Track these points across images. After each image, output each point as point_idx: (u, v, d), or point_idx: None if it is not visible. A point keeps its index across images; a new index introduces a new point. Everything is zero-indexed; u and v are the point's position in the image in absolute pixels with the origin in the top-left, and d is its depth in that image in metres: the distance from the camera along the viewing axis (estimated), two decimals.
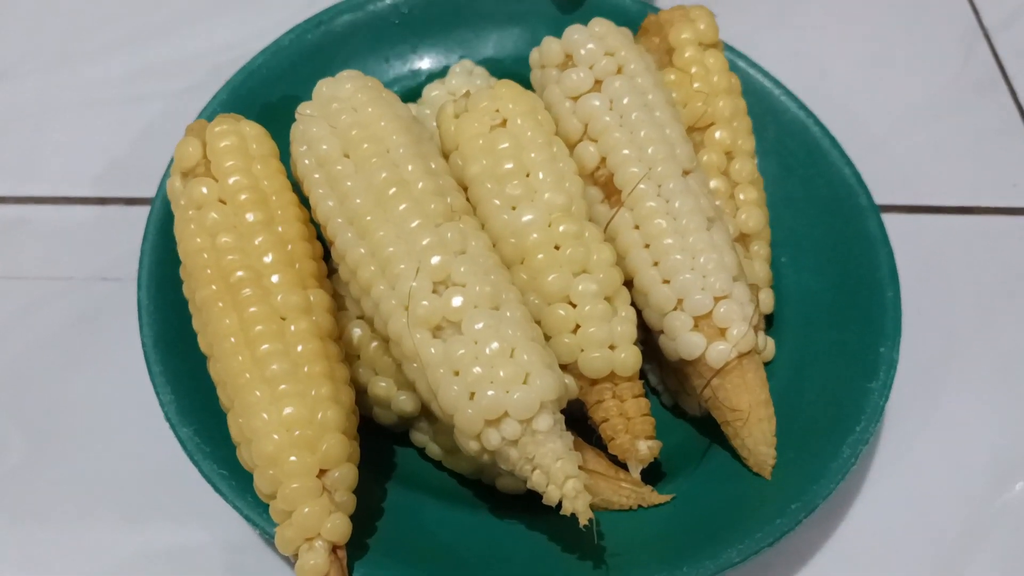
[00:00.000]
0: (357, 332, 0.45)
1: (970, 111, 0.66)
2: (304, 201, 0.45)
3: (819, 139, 0.54)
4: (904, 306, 0.49)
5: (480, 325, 0.39)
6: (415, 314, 0.39)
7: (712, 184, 0.50)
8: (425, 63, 0.56)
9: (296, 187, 0.45)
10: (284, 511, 0.38)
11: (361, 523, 0.40)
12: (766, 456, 0.44)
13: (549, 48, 0.48)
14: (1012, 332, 0.56)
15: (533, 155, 0.45)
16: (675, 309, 0.45)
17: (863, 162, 0.55)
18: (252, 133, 0.45)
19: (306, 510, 0.38)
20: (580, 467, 0.38)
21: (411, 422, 0.46)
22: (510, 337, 0.39)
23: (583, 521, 0.37)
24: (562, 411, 0.40)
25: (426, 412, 0.45)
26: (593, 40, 0.48)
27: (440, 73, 0.56)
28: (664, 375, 0.49)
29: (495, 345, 0.38)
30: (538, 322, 0.43)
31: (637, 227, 0.46)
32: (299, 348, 0.40)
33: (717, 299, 0.44)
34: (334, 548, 0.38)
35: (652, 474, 0.45)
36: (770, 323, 0.51)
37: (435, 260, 0.40)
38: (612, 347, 0.43)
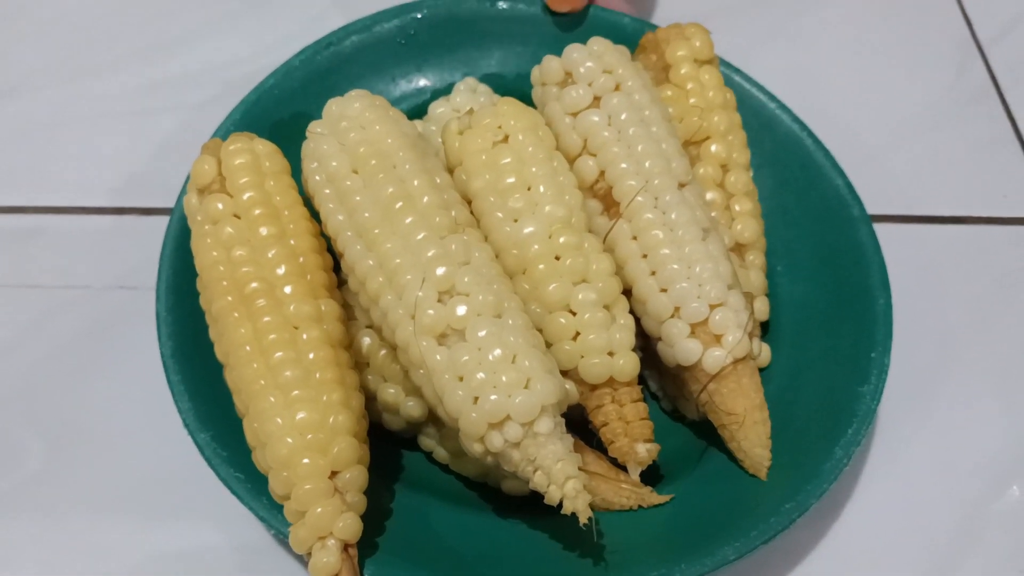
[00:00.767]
0: (366, 341, 0.47)
1: (963, 123, 0.67)
2: (315, 215, 0.47)
3: (813, 152, 0.56)
4: (897, 313, 0.51)
5: (483, 333, 0.40)
6: (421, 323, 0.41)
7: (708, 196, 0.51)
8: (430, 81, 0.58)
9: (307, 202, 0.47)
10: (298, 511, 0.40)
11: (371, 523, 0.41)
12: (761, 458, 0.46)
13: (549, 66, 0.50)
14: (1003, 339, 0.57)
15: (534, 169, 0.46)
16: (672, 317, 0.46)
17: (857, 173, 0.56)
18: (265, 151, 0.46)
19: (319, 510, 0.39)
20: (580, 468, 0.40)
21: (419, 427, 0.47)
22: (512, 344, 0.41)
23: (583, 520, 0.39)
24: (563, 415, 0.42)
25: (433, 417, 0.47)
26: (592, 58, 0.49)
27: (445, 90, 0.57)
28: (663, 381, 0.51)
29: (498, 352, 0.40)
30: (540, 330, 0.44)
31: (635, 238, 0.47)
32: (311, 355, 0.42)
33: (712, 307, 0.46)
34: (346, 547, 0.40)
35: (651, 476, 0.46)
36: (766, 330, 0.52)
37: (440, 271, 0.42)
38: (611, 353, 0.45)
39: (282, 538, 0.41)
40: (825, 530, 0.49)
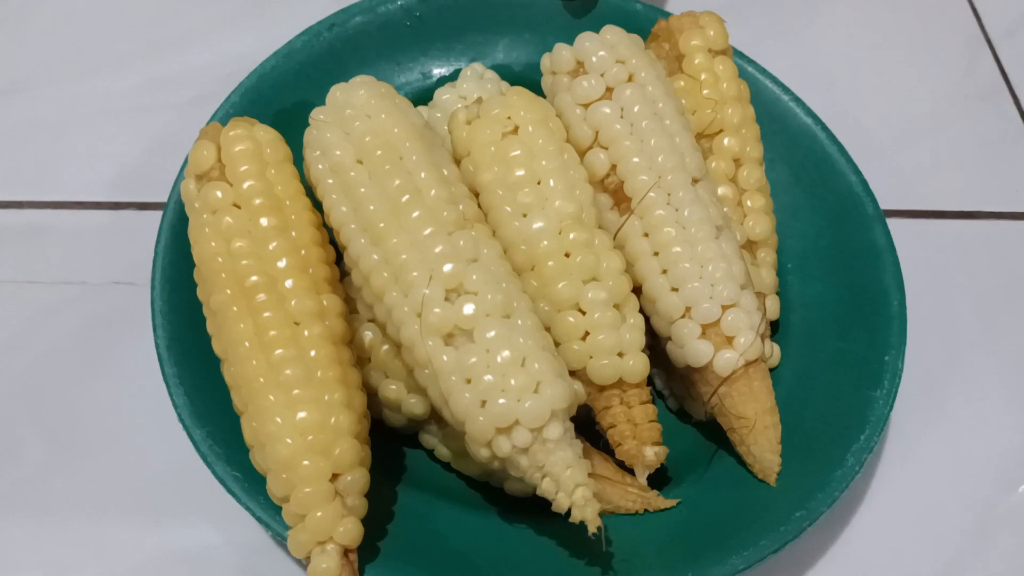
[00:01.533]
0: (368, 335, 0.46)
1: (973, 118, 0.66)
2: (317, 205, 0.45)
3: (827, 146, 0.55)
4: (907, 310, 0.50)
5: (492, 334, 0.39)
6: (428, 322, 0.40)
7: (720, 191, 0.50)
8: (436, 66, 0.56)
9: (309, 191, 0.46)
10: (297, 514, 0.39)
11: (371, 525, 0.40)
12: (771, 463, 0.45)
13: (560, 55, 0.49)
14: (1016, 336, 0.56)
15: (544, 163, 0.45)
16: (683, 317, 0.45)
17: (868, 168, 0.55)
18: (266, 138, 0.45)
19: (319, 514, 0.38)
20: (589, 475, 0.39)
21: (421, 425, 0.46)
22: (522, 346, 0.39)
23: (592, 529, 0.38)
24: (571, 418, 0.40)
25: (436, 415, 0.45)
26: (604, 48, 0.48)
27: (451, 77, 0.56)
28: (670, 380, 0.50)
29: (507, 354, 0.39)
30: (548, 329, 0.43)
31: (646, 235, 0.46)
32: (313, 353, 0.40)
33: (725, 308, 0.45)
34: (346, 552, 0.39)
35: (658, 479, 0.45)
36: (775, 330, 0.51)
37: (448, 268, 0.40)
38: (621, 354, 0.44)
39: (281, 540, 0.40)
40: (835, 536, 0.49)
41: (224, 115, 0.51)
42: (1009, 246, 0.61)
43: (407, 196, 0.42)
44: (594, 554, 0.42)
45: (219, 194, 0.43)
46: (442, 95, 0.54)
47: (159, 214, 0.49)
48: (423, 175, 0.43)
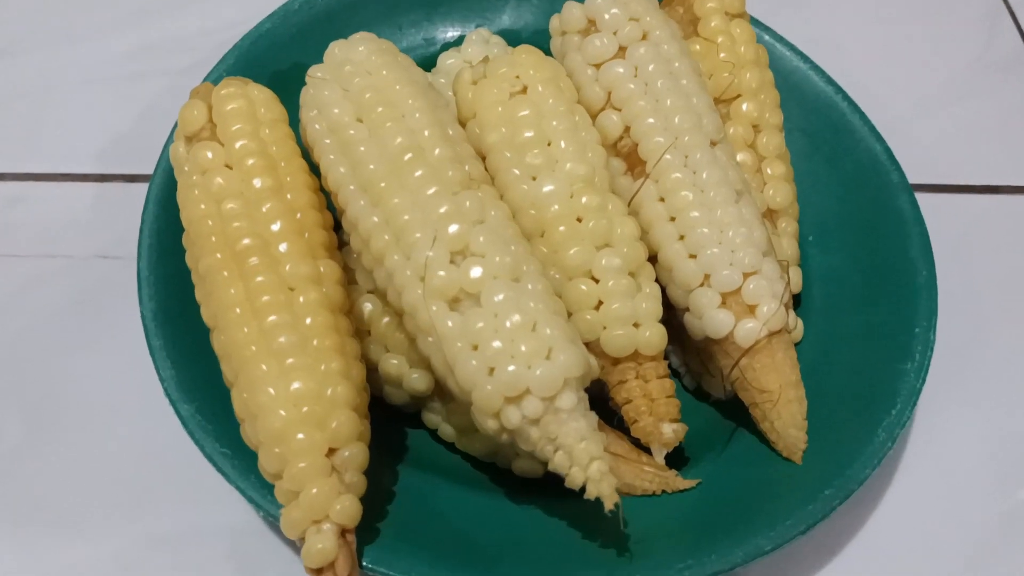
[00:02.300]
0: (368, 307, 0.43)
1: (995, 89, 0.64)
2: (315, 170, 0.43)
3: (848, 115, 0.53)
4: None
5: (500, 297, 0.37)
6: (431, 285, 0.37)
7: (739, 157, 0.48)
8: (440, 32, 0.54)
9: (306, 155, 0.43)
10: (290, 491, 0.36)
11: (371, 506, 0.38)
12: (796, 440, 0.43)
13: (571, 13, 0.46)
14: None
15: (554, 123, 0.43)
16: (702, 285, 0.43)
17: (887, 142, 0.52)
18: (260, 97, 0.43)
19: (314, 491, 0.36)
20: (604, 449, 0.36)
21: (423, 402, 0.44)
22: (532, 310, 0.37)
23: (608, 506, 0.35)
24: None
25: (439, 391, 0.43)
26: (617, 5, 0.45)
27: (455, 43, 0.54)
28: (687, 356, 0.47)
29: (516, 318, 0.36)
30: (559, 298, 0.41)
31: (662, 199, 0.44)
32: (308, 320, 0.38)
33: (746, 275, 0.42)
34: (343, 532, 0.36)
35: (675, 459, 0.43)
36: (796, 304, 0.49)
37: (453, 229, 0.38)
38: (636, 325, 0.41)
39: (273, 521, 0.38)
40: (861, 518, 0.46)
41: (217, 78, 0.48)
42: None
43: (409, 154, 0.40)
44: (609, 535, 0.39)
45: (209, 154, 0.41)
46: (446, 60, 0.51)
47: (147, 186, 0.46)
48: (426, 133, 0.41)
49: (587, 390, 0.39)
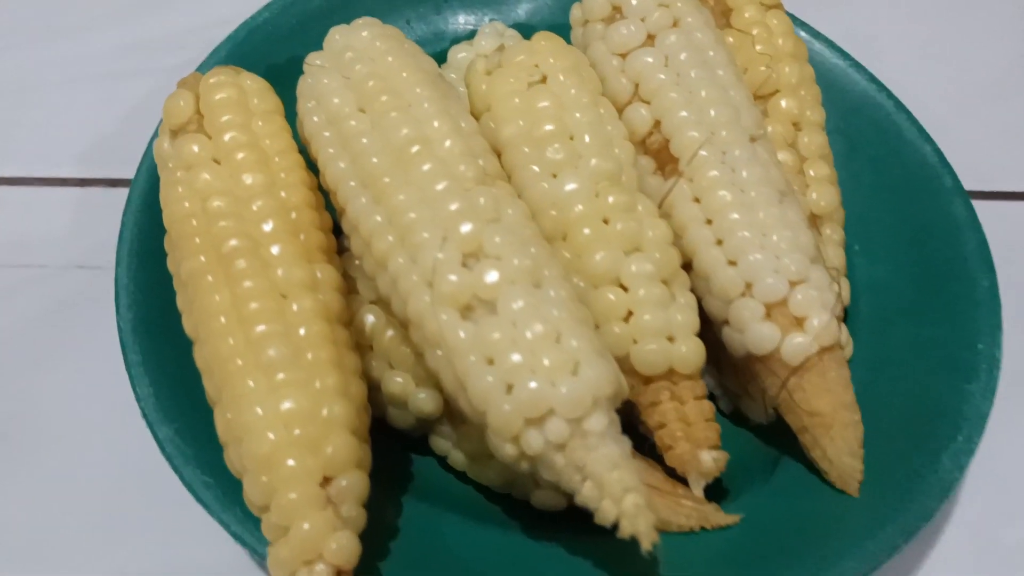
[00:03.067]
0: (370, 319, 0.39)
1: None
2: (312, 167, 0.39)
3: (893, 115, 0.49)
4: None
5: (519, 304, 0.33)
6: (441, 291, 0.33)
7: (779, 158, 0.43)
8: (450, 26, 0.51)
9: (304, 152, 0.39)
10: (279, 526, 0.32)
11: (371, 543, 0.33)
12: (852, 469, 0.38)
13: (594, 1, 0.42)
14: None
15: (577, 115, 0.39)
16: (743, 295, 0.38)
17: None
18: (253, 87, 0.40)
19: (306, 526, 0.31)
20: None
21: (431, 425, 0.40)
22: (555, 319, 0.33)
23: (646, 545, 0.31)
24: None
25: (448, 414, 0.39)
26: None
27: (466, 37, 0.50)
28: (723, 376, 0.43)
29: (537, 328, 0.32)
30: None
31: (697, 200, 0.40)
32: (302, 331, 0.34)
33: (793, 284, 0.38)
34: (338, 573, 0.32)
35: (713, 491, 0.39)
36: (843, 317, 0.44)
37: (465, 228, 0.34)
38: (670, 338, 0.37)
39: (261, 560, 0.34)
40: (918, 559, 0.41)
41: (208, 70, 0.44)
42: None
43: (416, 147, 0.36)
44: None
45: (195, 148, 0.38)
46: (457, 53, 0.48)
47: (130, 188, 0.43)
48: (435, 124, 0.37)
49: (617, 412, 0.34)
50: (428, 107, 0.37)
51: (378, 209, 0.36)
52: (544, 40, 0.41)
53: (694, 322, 0.38)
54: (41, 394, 0.44)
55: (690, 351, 0.37)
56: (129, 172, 0.49)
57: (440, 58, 0.49)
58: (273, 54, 0.47)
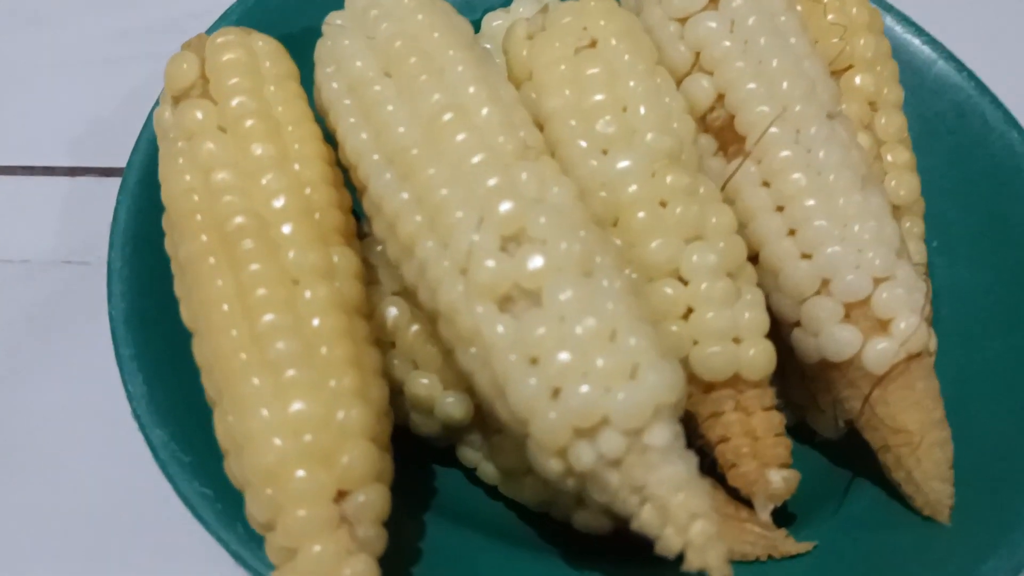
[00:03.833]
0: (392, 312, 0.36)
1: None
2: (330, 140, 0.35)
3: (974, 97, 0.45)
4: None
5: (567, 295, 0.28)
6: (477, 280, 0.29)
7: None
8: None
9: (322, 125, 0.36)
10: (285, 548, 0.28)
11: (391, 569, 0.30)
12: (941, 494, 0.34)
13: None
14: None
15: (632, 84, 0.35)
16: (818, 293, 0.34)
17: None
18: (265, 49, 0.36)
19: (316, 549, 0.28)
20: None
21: (459, 434, 0.36)
22: (610, 313, 0.28)
23: None
24: None
25: (480, 421, 0.35)
26: None
27: (501, 5, 0.45)
28: (787, 385, 0.38)
29: (589, 323, 0.28)
30: None
31: (766, 184, 0.35)
32: (315, 322, 0.30)
33: (877, 281, 0.34)
34: None
35: (778, 516, 0.35)
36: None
37: (505, 207, 0.30)
38: (737, 340, 0.34)
39: None
40: None
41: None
42: None
43: (449, 115, 0.32)
44: None
45: (199, 115, 0.34)
46: (492, 21, 0.43)
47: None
48: (471, 90, 0.33)
49: None
50: (463, 71, 0.33)
51: (404, 186, 0.32)
52: (593, 0, 0.36)
53: (763, 321, 0.34)
54: (22, 401, 0.41)
55: (759, 355, 0.33)
56: (123, 161, 0.46)
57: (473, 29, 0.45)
58: (287, 22, 0.43)
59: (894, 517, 0.35)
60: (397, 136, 0.32)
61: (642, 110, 0.34)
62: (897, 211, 0.40)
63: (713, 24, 0.37)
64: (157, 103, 0.39)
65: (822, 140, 0.35)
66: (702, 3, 0.37)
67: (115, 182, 0.45)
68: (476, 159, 0.31)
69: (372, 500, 0.29)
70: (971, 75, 0.45)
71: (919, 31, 0.46)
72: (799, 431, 0.39)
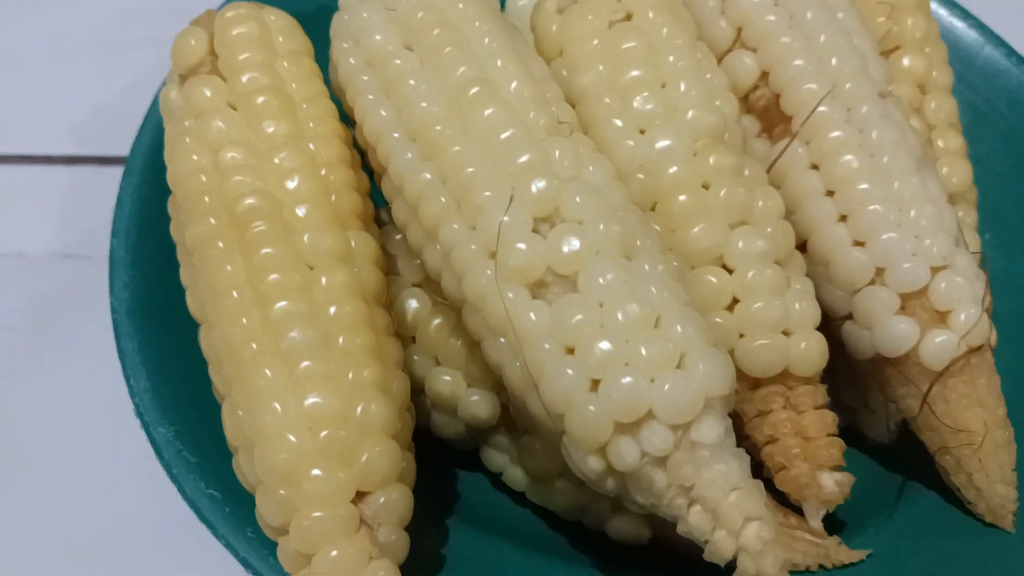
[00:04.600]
0: (412, 305, 0.34)
1: None
2: (347, 121, 0.34)
3: None
4: None
5: (607, 279, 0.27)
6: (507, 263, 0.27)
7: None
8: None
9: (338, 104, 0.34)
10: (300, 554, 0.27)
11: None
12: (1004, 498, 0.33)
13: None
14: None
15: (671, 59, 0.34)
16: (872, 283, 0.33)
17: None
18: (278, 23, 0.35)
19: (334, 554, 0.27)
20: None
21: (484, 435, 0.35)
22: (654, 298, 0.26)
23: None
24: None
25: (506, 421, 0.33)
26: None
27: None
28: (837, 384, 0.36)
29: (632, 309, 0.26)
30: None
31: (815, 167, 0.34)
32: (332, 310, 0.29)
33: (935, 270, 0.32)
34: None
35: (832, 522, 0.33)
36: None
37: (537, 186, 0.28)
38: (786, 332, 0.32)
39: None
40: None
41: None
42: None
43: (476, 88, 0.30)
44: None
45: (208, 92, 0.33)
46: (518, 0, 0.41)
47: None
48: (499, 63, 0.31)
49: None
50: (491, 43, 0.31)
51: (428, 165, 0.30)
52: None
53: (815, 313, 0.32)
54: (19, 401, 0.40)
55: (810, 348, 0.31)
56: (124, 149, 0.45)
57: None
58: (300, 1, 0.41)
59: (953, 524, 0.33)
60: (420, 112, 0.30)
61: (683, 86, 0.33)
62: (950, 199, 0.38)
63: None
64: (164, 84, 0.37)
65: (875, 120, 0.33)
66: None
67: (116, 172, 0.44)
68: (505, 135, 0.29)
69: (394, 502, 0.28)
70: (1021, 60, 0.43)
71: (965, 14, 0.44)
72: (848, 434, 0.37)
